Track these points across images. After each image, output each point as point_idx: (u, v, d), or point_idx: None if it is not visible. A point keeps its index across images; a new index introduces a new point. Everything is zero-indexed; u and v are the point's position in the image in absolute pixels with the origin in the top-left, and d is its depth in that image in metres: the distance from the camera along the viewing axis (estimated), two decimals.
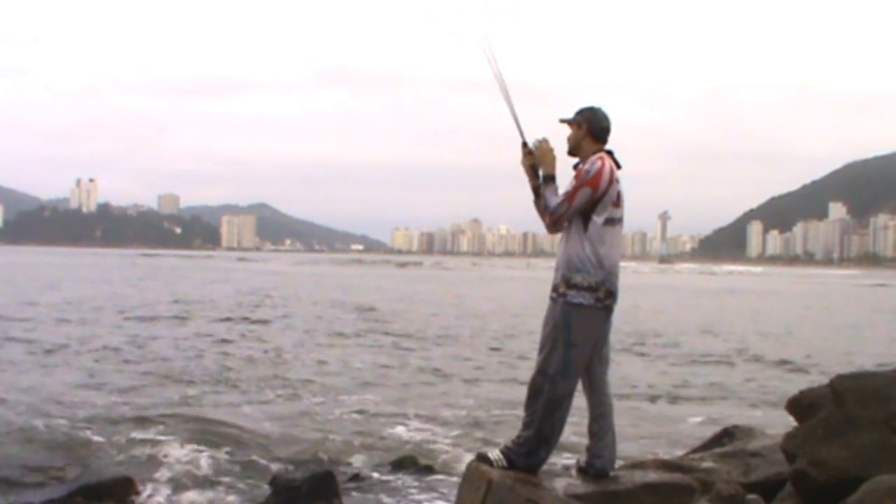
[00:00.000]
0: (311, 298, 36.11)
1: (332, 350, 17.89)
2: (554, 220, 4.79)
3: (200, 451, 8.45)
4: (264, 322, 23.81)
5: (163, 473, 7.68)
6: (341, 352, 17.61)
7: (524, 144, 4.91)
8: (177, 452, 8.33)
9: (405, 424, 10.05)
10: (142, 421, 9.66)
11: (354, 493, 7.29)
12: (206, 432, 9.20)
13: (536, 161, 4.87)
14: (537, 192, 4.86)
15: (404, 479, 7.69)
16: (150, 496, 7.09)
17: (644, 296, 43.23)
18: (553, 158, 4.86)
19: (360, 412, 10.84)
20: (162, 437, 8.88)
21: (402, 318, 26.90)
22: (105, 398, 11.18)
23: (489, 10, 4.88)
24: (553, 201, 4.77)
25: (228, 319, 24.22)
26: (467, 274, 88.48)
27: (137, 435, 8.96)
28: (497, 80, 4.88)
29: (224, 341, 18.60)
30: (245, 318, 24.63)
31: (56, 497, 6.88)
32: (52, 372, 13.53)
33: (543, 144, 4.88)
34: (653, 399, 12.64)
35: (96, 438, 8.78)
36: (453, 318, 27.61)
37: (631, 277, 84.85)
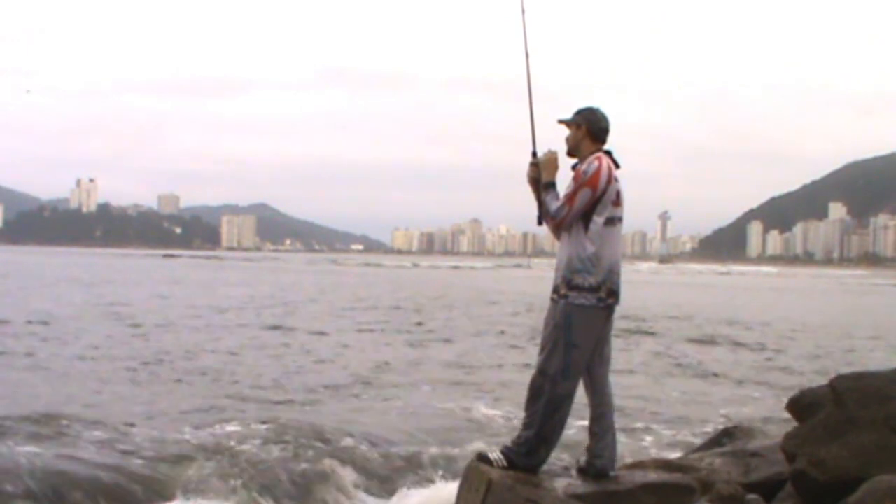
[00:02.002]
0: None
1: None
2: (557, 223, 4.80)
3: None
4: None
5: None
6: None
7: (533, 154, 4.93)
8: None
9: (408, 420, 10.05)
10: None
11: (354, 492, 7.29)
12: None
13: (540, 168, 4.88)
14: (541, 201, 4.88)
15: (404, 479, 7.69)
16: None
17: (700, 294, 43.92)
18: (555, 168, 4.88)
19: (369, 407, 10.92)
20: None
21: None
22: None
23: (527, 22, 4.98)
24: (554, 205, 4.78)
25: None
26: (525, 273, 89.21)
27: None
28: (527, 90, 4.97)
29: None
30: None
31: None
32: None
33: (550, 154, 4.90)
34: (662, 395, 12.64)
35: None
36: None
37: (659, 276, 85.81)
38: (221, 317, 24.30)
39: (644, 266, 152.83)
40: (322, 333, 19.98)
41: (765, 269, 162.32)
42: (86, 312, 24.09)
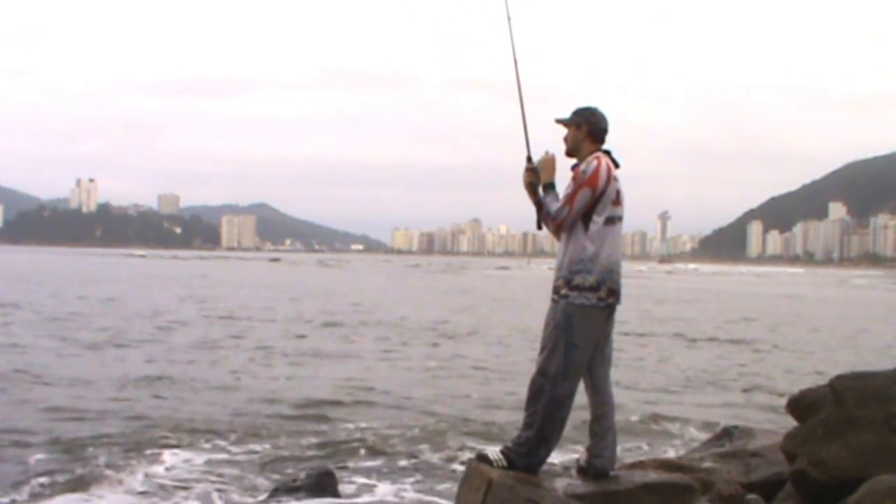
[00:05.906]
0: None
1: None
2: (557, 224, 4.79)
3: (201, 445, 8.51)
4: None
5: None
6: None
7: (528, 159, 4.91)
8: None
9: (409, 421, 10.05)
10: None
11: (354, 492, 7.29)
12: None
13: (538, 169, 4.87)
14: (539, 205, 4.87)
15: (404, 479, 7.69)
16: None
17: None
18: (554, 169, 4.87)
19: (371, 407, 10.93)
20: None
21: None
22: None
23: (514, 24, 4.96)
24: (554, 206, 4.77)
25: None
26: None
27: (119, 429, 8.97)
28: (518, 97, 4.96)
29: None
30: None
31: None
32: None
33: (548, 156, 4.89)
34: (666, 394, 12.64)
35: None
36: None
37: (721, 278, 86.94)
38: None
39: (677, 266, 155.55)
40: None
41: (790, 269, 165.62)
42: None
